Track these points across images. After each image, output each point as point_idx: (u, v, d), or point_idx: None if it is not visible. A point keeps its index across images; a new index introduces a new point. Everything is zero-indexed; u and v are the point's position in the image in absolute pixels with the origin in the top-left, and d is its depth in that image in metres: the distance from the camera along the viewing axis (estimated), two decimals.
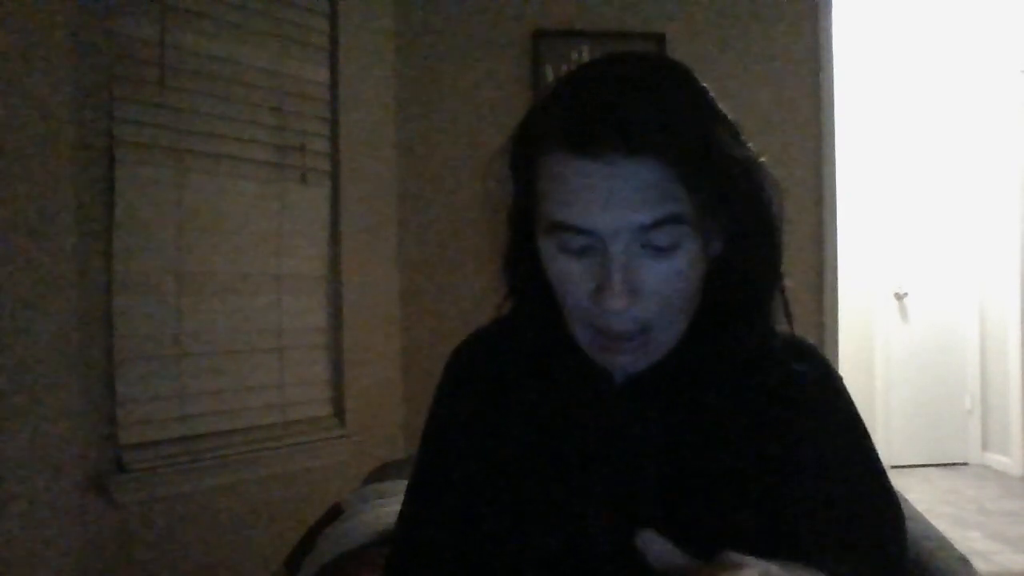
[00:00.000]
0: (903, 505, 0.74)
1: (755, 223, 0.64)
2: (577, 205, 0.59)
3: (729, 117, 0.63)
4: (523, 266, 0.70)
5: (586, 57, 2.45)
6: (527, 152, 0.64)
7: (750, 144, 0.64)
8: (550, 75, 2.45)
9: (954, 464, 4.56)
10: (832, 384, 0.71)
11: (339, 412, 2.19)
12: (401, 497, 0.79)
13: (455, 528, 0.72)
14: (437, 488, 0.75)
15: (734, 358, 0.68)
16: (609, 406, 0.69)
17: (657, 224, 0.58)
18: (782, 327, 0.70)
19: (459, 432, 0.74)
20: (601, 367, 0.69)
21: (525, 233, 0.67)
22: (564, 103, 0.61)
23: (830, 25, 2.61)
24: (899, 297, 4.61)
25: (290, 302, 2.08)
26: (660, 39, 2.48)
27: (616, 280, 0.59)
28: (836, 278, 2.61)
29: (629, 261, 0.60)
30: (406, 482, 0.79)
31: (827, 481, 0.66)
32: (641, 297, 0.61)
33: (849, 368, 4.07)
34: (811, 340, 0.74)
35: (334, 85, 2.18)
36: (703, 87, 0.62)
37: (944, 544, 0.97)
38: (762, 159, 0.64)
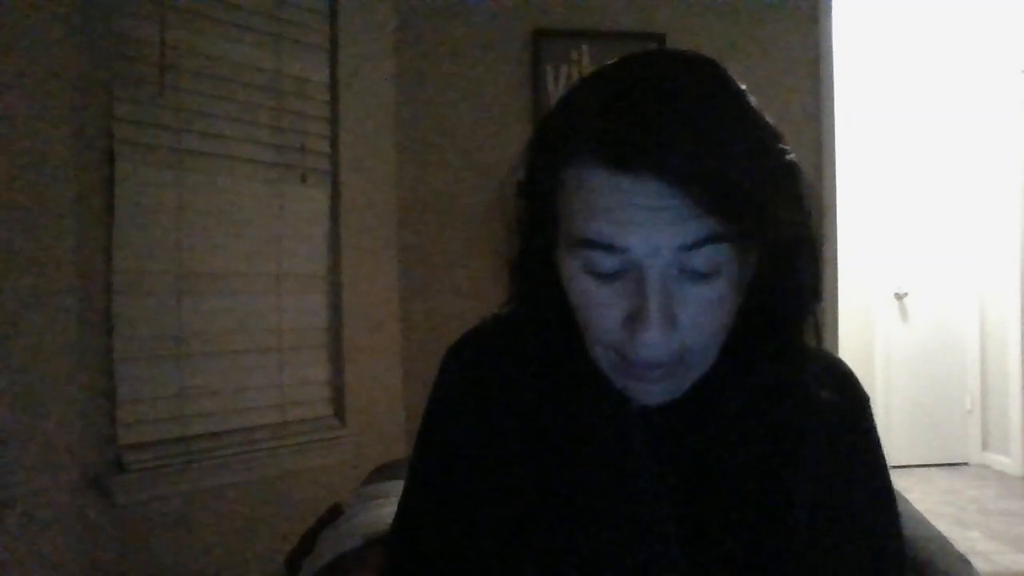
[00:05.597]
0: (904, 506, 0.73)
1: (795, 240, 0.59)
2: (610, 222, 0.53)
3: (767, 120, 0.58)
4: (535, 274, 0.65)
5: (586, 57, 2.45)
6: (550, 161, 0.58)
7: (790, 151, 0.58)
8: (550, 75, 2.45)
9: (954, 464, 4.55)
10: (863, 424, 0.68)
11: (339, 412, 2.19)
12: None
13: (450, 543, 0.67)
14: (431, 502, 0.69)
15: (761, 388, 0.62)
16: (625, 434, 0.62)
17: (697, 244, 0.53)
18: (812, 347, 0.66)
19: (459, 442, 0.68)
20: (618, 390, 0.63)
21: (541, 244, 0.62)
22: (596, 112, 0.55)
23: (830, 25, 2.61)
24: (899, 297, 4.61)
25: (290, 302, 2.08)
26: (660, 39, 2.48)
27: (653, 308, 0.54)
28: (836, 278, 2.61)
29: (666, 286, 0.54)
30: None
31: (839, 532, 0.63)
32: (678, 327, 0.55)
33: None
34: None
35: (334, 85, 2.18)
36: (740, 89, 0.58)
37: (944, 544, 0.97)
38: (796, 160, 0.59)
